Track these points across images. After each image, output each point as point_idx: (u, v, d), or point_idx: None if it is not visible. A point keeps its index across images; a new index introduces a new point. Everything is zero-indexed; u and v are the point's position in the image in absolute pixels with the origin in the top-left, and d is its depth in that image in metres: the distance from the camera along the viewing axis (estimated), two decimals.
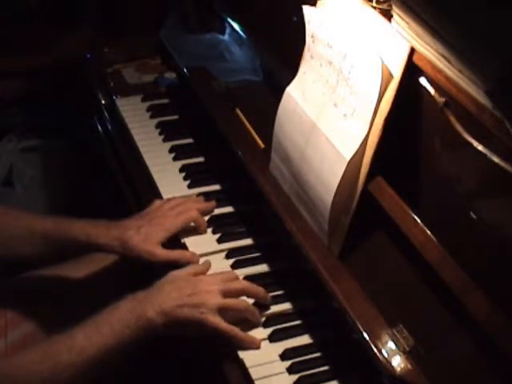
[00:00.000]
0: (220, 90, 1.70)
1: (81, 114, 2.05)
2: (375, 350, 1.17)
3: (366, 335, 1.18)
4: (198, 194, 1.56)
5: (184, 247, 1.44)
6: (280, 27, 1.61)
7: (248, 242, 1.48)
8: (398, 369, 1.15)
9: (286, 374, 1.23)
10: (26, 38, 2.28)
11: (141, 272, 1.43)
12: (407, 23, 1.19)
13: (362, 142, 1.22)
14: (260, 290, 1.32)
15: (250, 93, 1.68)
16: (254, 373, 1.22)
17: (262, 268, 1.42)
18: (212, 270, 1.37)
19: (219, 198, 1.56)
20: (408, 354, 1.16)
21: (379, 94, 1.18)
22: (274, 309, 1.33)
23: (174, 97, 1.87)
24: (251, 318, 1.28)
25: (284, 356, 1.25)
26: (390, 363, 1.15)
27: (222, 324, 1.24)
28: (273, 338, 1.28)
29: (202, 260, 1.40)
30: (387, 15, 1.22)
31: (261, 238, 1.48)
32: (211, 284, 1.28)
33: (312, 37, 1.33)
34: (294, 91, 1.39)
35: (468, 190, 1.13)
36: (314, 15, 1.32)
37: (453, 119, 1.10)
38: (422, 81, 1.17)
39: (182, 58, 1.81)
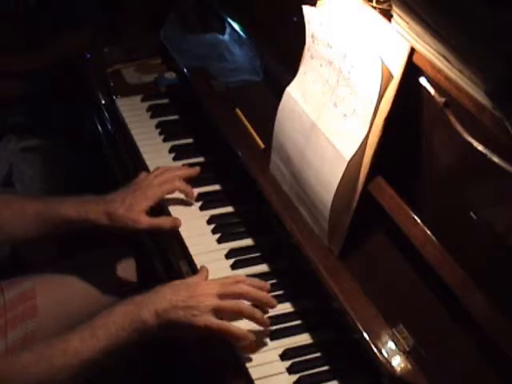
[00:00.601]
0: (220, 90, 1.70)
1: (81, 114, 2.06)
2: (375, 350, 1.17)
3: (365, 335, 1.18)
4: (198, 194, 1.56)
5: (184, 247, 1.44)
6: (280, 27, 1.61)
7: (248, 242, 1.48)
8: (398, 369, 1.15)
9: (286, 374, 1.23)
10: (26, 38, 2.27)
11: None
12: (407, 23, 1.18)
13: (362, 142, 1.22)
14: (264, 295, 1.31)
15: (249, 93, 1.68)
16: (253, 373, 1.22)
17: (262, 268, 1.43)
18: (212, 269, 1.37)
19: (219, 198, 1.56)
20: (408, 354, 1.16)
21: (379, 94, 1.18)
22: (274, 309, 1.33)
23: (173, 97, 1.87)
24: (251, 319, 1.28)
25: (284, 356, 1.26)
26: (390, 363, 1.16)
27: (213, 321, 1.24)
28: (273, 338, 1.28)
29: (201, 260, 1.41)
30: (387, 15, 1.22)
31: (261, 238, 1.48)
32: (209, 288, 1.28)
33: (312, 37, 1.33)
34: (294, 91, 1.39)
35: (468, 190, 1.13)
36: (314, 15, 1.32)
37: (453, 119, 1.10)
38: (422, 81, 1.16)
39: (182, 57, 1.82)
